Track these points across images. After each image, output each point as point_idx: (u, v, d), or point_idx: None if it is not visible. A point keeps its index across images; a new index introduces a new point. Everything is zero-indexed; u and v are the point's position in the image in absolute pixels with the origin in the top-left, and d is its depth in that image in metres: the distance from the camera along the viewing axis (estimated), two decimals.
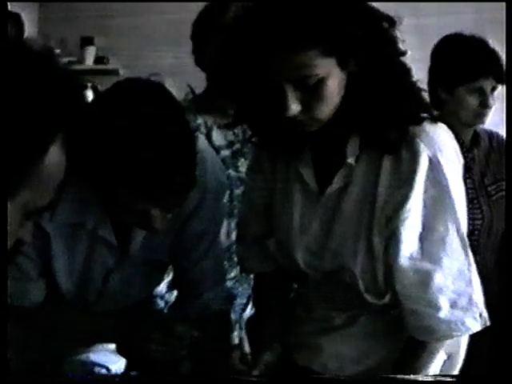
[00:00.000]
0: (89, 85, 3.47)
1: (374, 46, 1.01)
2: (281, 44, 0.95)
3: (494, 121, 2.37)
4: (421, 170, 1.04)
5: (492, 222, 2.20)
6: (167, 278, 1.51)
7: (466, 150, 2.23)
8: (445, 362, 1.22)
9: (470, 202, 2.18)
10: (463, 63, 2.09)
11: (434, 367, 1.18)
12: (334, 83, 1.01)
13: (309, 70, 0.98)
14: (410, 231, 1.07)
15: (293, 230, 1.19)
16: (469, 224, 2.14)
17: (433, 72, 2.18)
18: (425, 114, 1.09)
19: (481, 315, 1.12)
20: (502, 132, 2.27)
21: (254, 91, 1.04)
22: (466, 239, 1.12)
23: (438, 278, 1.07)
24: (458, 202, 1.09)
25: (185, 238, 1.31)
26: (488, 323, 1.13)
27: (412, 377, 1.08)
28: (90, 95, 3.17)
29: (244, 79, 1.04)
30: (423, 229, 1.06)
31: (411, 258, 1.08)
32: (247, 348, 1.26)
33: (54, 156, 0.64)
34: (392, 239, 1.08)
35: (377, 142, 1.07)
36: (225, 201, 1.54)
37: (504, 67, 2.03)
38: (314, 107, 1.02)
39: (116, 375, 1.15)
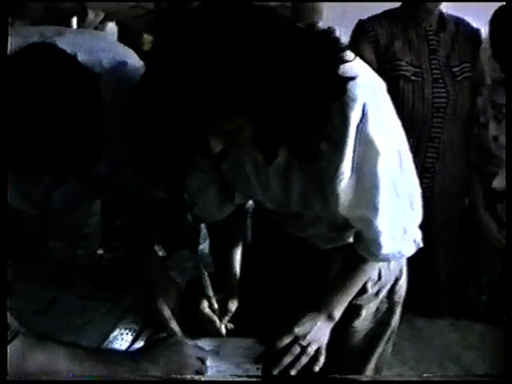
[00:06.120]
0: None
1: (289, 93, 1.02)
2: (204, 118, 0.99)
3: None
4: (350, 136, 1.12)
5: (457, 101, 2.33)
6: None
7: (432, 32, 2.33)
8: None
9: (435, 81, 2.32)
10: None
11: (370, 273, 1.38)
12: (250, 120, 1.05)
13: (229, 126, 1.03)
14: (345, 186, 1.18)
15: (254, 187, 1.29)
16: (434, 102, 2.33)
17: None
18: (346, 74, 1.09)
19: (414, 241, 1.28)
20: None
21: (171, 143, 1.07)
22: (402, 176, 1.22)
23: (377, 223, 1.20)
24: (387, 147, 1.17)
25: None
26: (421, 245, 1.30)
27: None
28: None
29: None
30: (357, 180, 1.18)
31: (350, 206, 1.20)
32: (210, 291, 1.34)
33: None
34: (332, 195, 1.19)
35: (301, 155, 1.14)
36: None
37: None
38: (234, 141, 1.08)
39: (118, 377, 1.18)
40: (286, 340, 1.27)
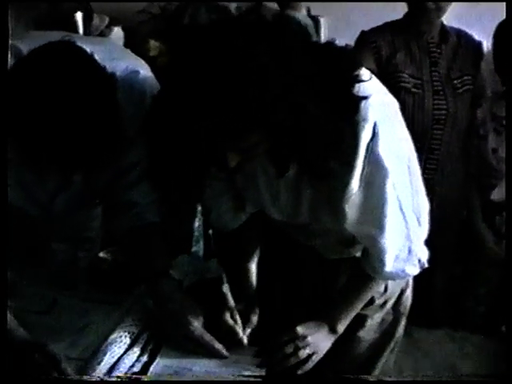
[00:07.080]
0: None
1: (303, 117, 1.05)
2: (220, 137, 1.02)
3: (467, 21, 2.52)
4: (360, 155, 1.15)
5: (457, 113, 2.35)
6: None
7: (434, 45, 2.36)
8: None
9: (436, 93, 2.34)
10: None
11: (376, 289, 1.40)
12: (266, 138, 1.08)
13: (245, 143, 1.06)
14: (353, 203, 1.20)
15: (264, 197, 1.32)
16: (434, 114, 2.35)
17: None
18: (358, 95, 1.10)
19: (419, 261, 1.29)
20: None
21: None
22: (411, 193, 1.24)
23: (382, 241, 1.22)
24: (397, 166, 1.19)
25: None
26: (426, 265, 1.32)
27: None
28: None
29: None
30: (365, 198, 1.18)
31: (357, 223, 1.22)
32: (232, 302, 1.34)
33: None
34: (340, 211, 1.22)
35: (312, 173, 1.16)
36: None
37: None
38: (250, 156, 1.11)
39: (118, 377, 1.20)
40: (286, 337, 1.30)
